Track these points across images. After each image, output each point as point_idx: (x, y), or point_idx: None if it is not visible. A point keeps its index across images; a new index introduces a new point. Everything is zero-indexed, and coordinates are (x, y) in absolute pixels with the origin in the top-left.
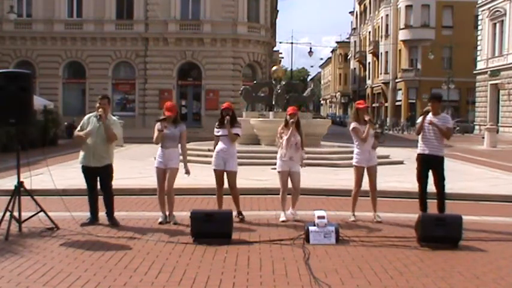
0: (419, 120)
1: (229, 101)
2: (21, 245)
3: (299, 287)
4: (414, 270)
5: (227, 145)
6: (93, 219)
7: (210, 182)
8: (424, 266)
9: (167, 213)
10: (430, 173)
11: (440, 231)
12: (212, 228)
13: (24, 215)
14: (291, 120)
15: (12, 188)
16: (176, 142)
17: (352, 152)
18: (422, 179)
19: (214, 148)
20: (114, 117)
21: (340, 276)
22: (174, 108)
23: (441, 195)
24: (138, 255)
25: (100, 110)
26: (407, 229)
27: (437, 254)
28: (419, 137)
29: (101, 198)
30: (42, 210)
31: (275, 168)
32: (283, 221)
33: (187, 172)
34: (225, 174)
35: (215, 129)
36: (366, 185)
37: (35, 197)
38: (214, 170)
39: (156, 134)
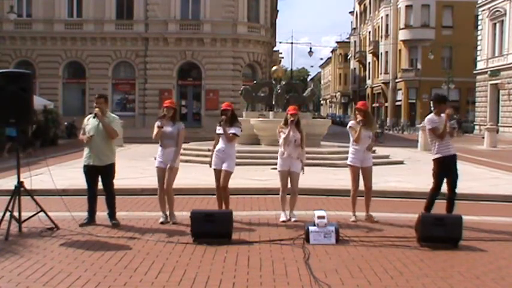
0: (436, 123)
1: (230, 101)
2: (21, 245)
3: (299, 287)
4: (414, 270)
5: (225, 144)
6: (91, 220)
7: (210, 182)
8: (424, 266)
9: (167, 212)
10: None
11: (440, 231)
12: (212, 228)
13: (24, 215)
14: (291, 119)
15: (12, 188)
16: (174, 141)
17: None
18: (442, 181)
19: (214, 146)
20: (113, 115)
21: (340, 276)
22: (172, 103)
23: (454, 195)
24: (138, 255)
25: (96, 109)
26: (407, 229)
27: (437, 254)
28: (439, 140)
29: (102, 199)
30: (42, 210)
31: (275, 168)
32: (283, 221)
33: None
34: None
35: (217, 128)
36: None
37: (35, 197)
38: (214, 169)
39: (155, 130)
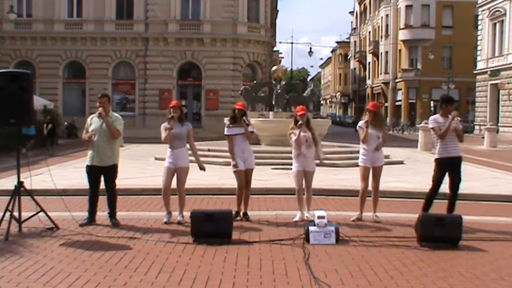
0: (439, 123)
1: (230, 101)
2: (21, 245)
3: (299, 287)
4: (414, 270)
5: (245, 144)
6: (91, 220)
7: (210, 182)
8: (424, 266)
9: (172, 212)
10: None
11: (440, 231)
12: (212, 228)
13: (24, 215)
14: (300, 122)
15: (12, 188)
16: (183, 141)
17: (351, 152)
18: (440, 182)
19: (231, 148)
20: (116, 114)
21: (340, 276)
22: (179, 105)
23: (455, 197)
24: (138, 255)
25: (100, 108)
26: (407, 229)
27: (437, 254)
28: (440, 141)
29: (103, 198)
30: (42, 210)
31: (276, 168)
32: (296, 221)
33: (202, 168)
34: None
35: (227, 129)
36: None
37: (35, 197)
38: (238, 171)
39: (164, 133)
